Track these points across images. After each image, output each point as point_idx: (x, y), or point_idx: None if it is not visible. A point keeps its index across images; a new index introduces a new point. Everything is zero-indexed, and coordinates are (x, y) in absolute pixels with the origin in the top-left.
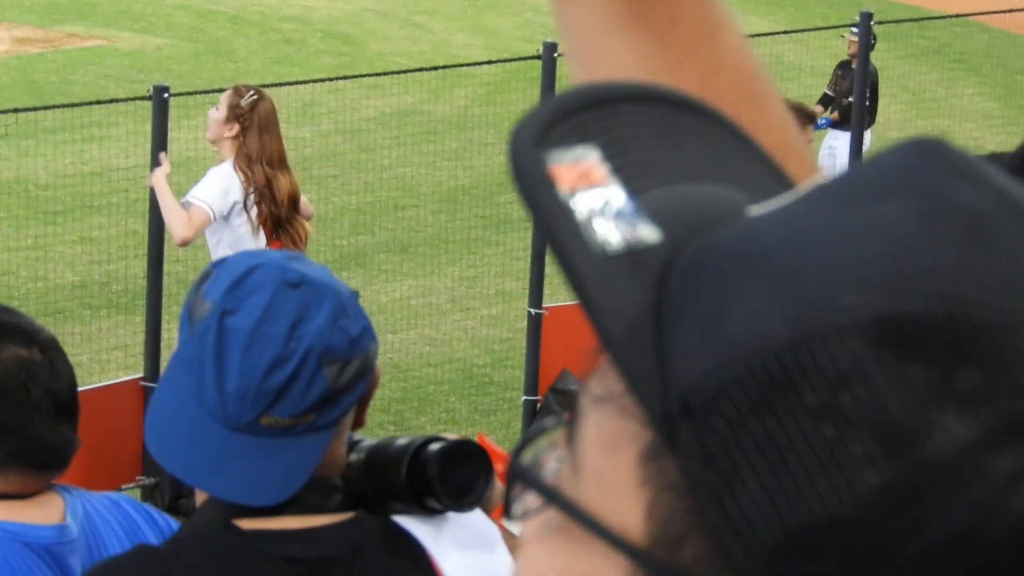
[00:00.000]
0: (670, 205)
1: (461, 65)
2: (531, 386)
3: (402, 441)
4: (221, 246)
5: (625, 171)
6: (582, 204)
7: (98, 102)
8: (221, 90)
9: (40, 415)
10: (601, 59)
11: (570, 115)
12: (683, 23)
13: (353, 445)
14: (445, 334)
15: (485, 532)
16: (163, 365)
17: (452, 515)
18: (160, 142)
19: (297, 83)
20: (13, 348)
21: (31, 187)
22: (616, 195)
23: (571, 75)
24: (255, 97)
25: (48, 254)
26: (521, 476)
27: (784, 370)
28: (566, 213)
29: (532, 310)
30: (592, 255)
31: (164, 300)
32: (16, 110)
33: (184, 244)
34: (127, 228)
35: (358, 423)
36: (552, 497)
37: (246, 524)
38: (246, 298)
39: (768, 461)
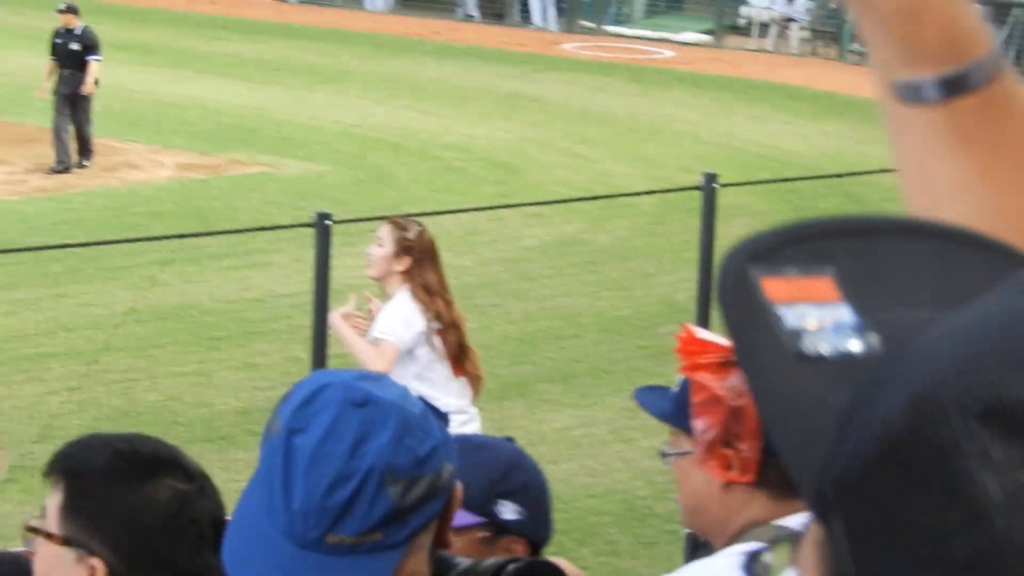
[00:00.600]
0: (889, 325)
1: (621, 195)
2: None
3: (489, 562)
4: (407, 378)
5: (860, 293)
6: (790, 313)
7: (261, 228)
8: (383, 218)
9: (207, 546)
10: (931, 179)
11: (808, 240)
12: (1008, 148)
13: (451, 567)
14: (606, 465)
15: None
16: None
17: None
18: (322, 269)
19: (458, 211)
20: (172, 482)
21: (195, 312)
22: (839, 312)
23: (905, 198)
24: (420, 228)
25: (212, 380)
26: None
27: (900, 450)
28: (764, 317)
29: None
30: (785, 358)
31: None
32: (181, 236)
33: None
34: (290, 355)
35: (441, 543)
36: None
37: None
38: (313, 417)
39: (889, 537)
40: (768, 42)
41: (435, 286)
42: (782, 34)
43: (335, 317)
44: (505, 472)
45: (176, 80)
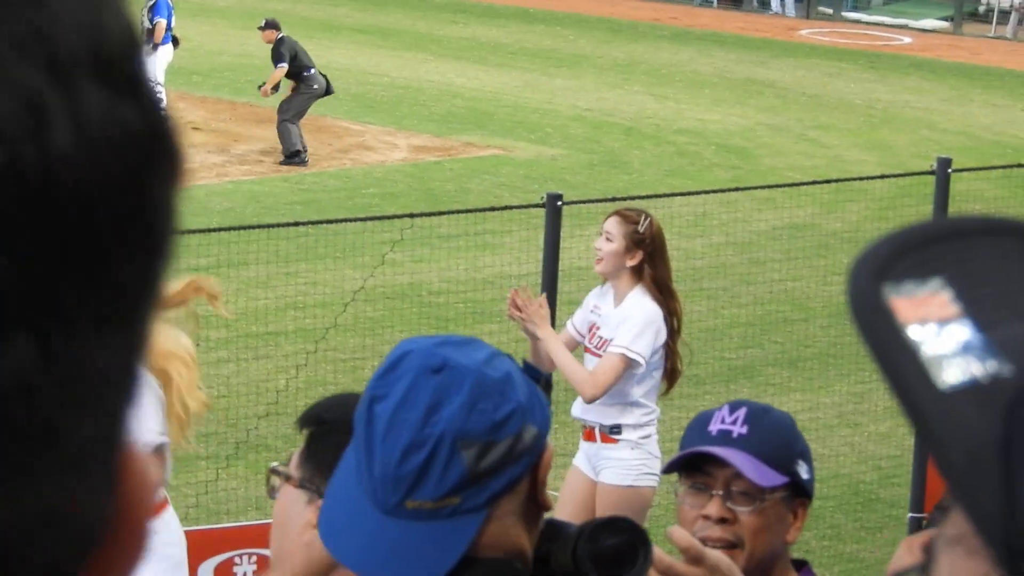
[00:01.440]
0: (1021, 340)
1: (854, 179)
2: (917, 503)
3: (583, 523)
4: (638, 388)
5: (974, 306)
6: (924, 337)
7: (492, 209)
8: (613, 199)
9: None
10: None
11: (917, 249)
12: None
13: (562, 532)
14: (832, 449)
15: None
16: None
17: None
18: (552, 250)
19: (689, 194)
20: None
21: (424, 293)
22: (963, 330)
23: None
24: (649, 218)
25: None
26: None
27: None
28: (906, 346)
29: None
30: (934, 389)
31: (552, 408)
32: (412, 215)
33: (593, 400)
34: (518, 335)
35: (539, 506)
36: None
37: None
38: (392, 384)
39: None
40: (1008, 29)
41: (667, 281)
42: (1022, 21)
43: (545, 332)
44: (796, 433)
45: (412, 63)
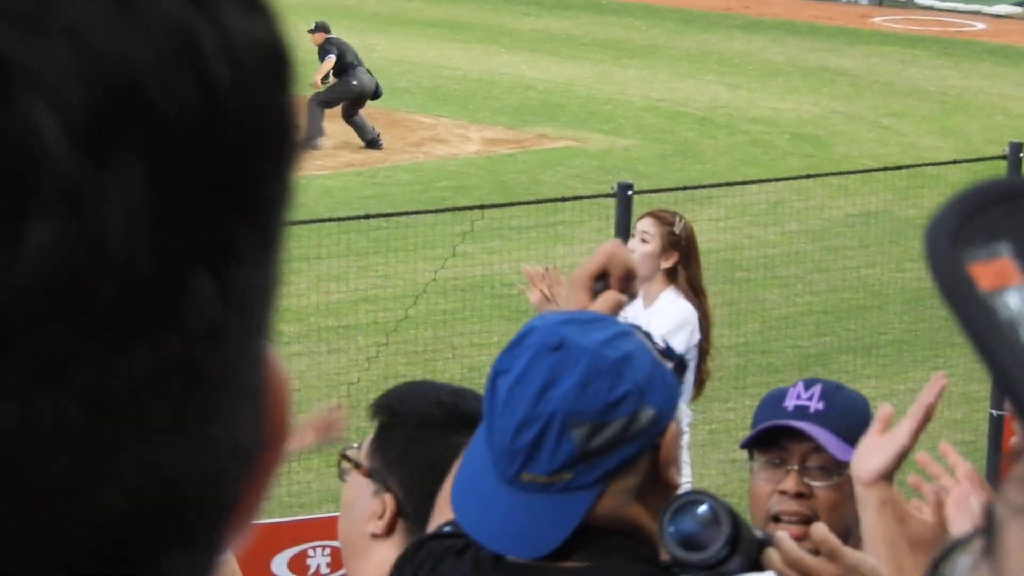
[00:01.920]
0: None
1: (926, 165)
2: (992, 488)
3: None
4: None
5: None
6: (1004, 303)
7: (563, 199)
8: (685, 188)
9: None
10: None
11: (980, 212)
12: None
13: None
14: None
15: None
16: None
17: None
18: (623, 240)
19: (763, 181)
20: None
21: (498, 284)
22: None
23: None
24: (683, 220)
25: None
26: None
27: None
28: (989, 313)
29: (994, 411)
30: (1021, 355)
31: None
32: (483, 206)
33: None
34: None
35: (663, 485)
36: None
37: (514, 559)
38: (515, 359)
39: None
40: None
41: (699, 282)
42: None
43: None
44: (868, 410)
45: (485, 55)
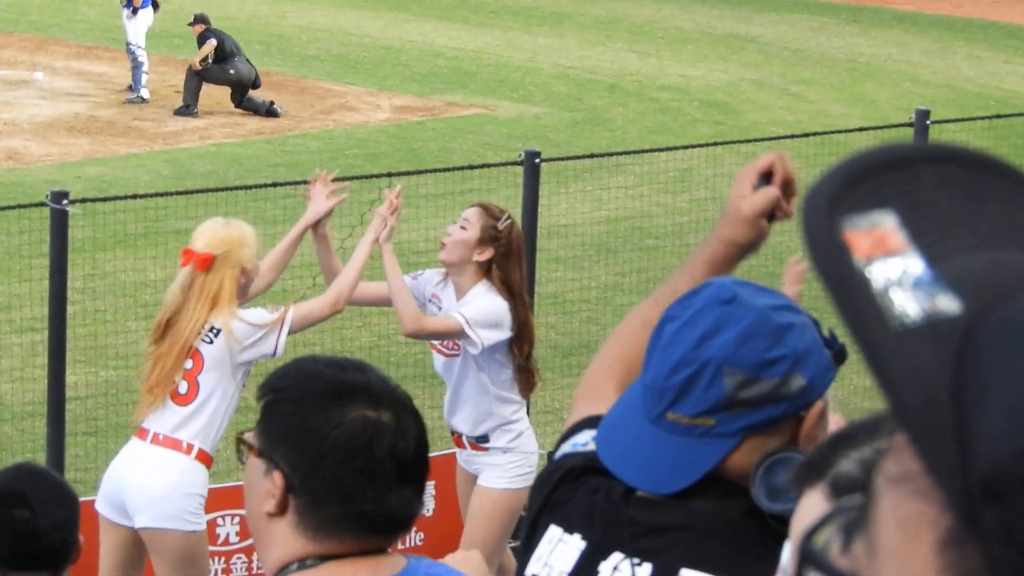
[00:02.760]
0: (972, 273)
1: (835, 132)
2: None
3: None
4: (467, 384)
5: (923, 237)
6: (878, 273)
7: (471, 167)
8: (592, 156)
9: (382, 479)
10: None
11: (867, 178)
12: None
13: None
14: None
15: None
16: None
17: None
18: (531, 208)
19: (672, 149)
20: (361, 409)
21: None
22: (914, 264)
23: None
24: (510, 220)
25: None
26: (812, 559)
27: None
28: (861, 283)
29: None
30: (888, 327)
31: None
32: (391, 174)
33: (411, 335)
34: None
35: (799, 442)
36: None
37: (642, 492)
38: (687, 308)
39: None
40: None
41: (518, 288)
42: None
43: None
44: None
45: (394, 23)
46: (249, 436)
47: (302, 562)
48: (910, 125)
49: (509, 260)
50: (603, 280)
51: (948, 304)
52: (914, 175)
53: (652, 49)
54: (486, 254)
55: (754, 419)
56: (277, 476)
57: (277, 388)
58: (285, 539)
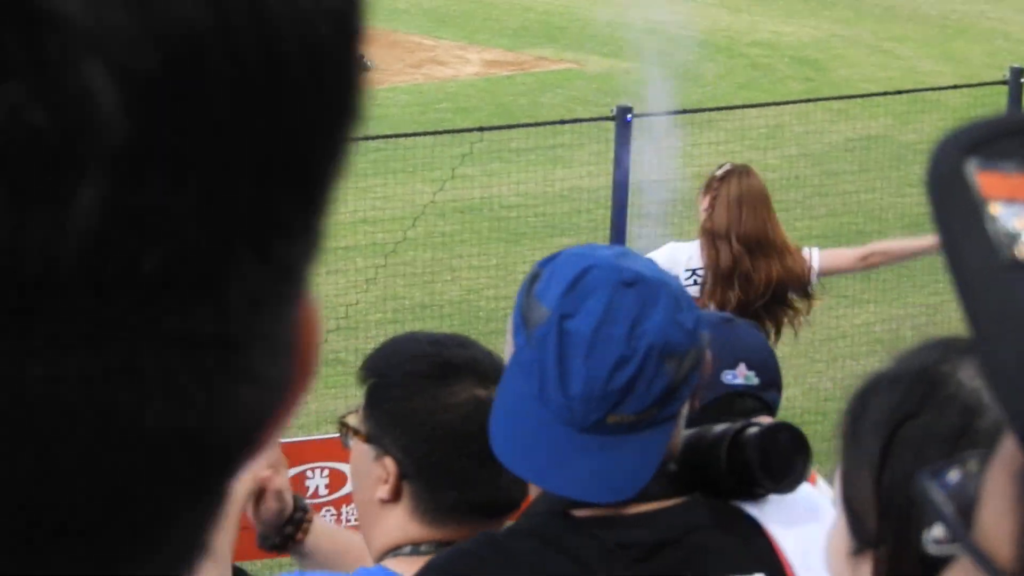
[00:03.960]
0: None
1: (927, 89)
2: None
3: (720, 427)
4: None
5: None
6: (1006, 214)
7: (562, 122)
8: (684, 111)
9: (495, 461)
10: None
11: (1007, 136)
12: None
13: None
14: None
15: (810, 503)
16: None
17: (775, 496)
18: (623, 162)
19: (763, 105)
20: (470, 388)
21: (497, 207)
22: None
23: None
24: (728, 168)
25: (513, 274)
26: (940, 515)
27: None
28: (977, 216)
29: None
30: (997, 263)
31: None
32: (481, 128)
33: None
34: None
35: (691, 408)
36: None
37: (581, 513)
38: (583, 300)
39: None
40: None
41: (726, 232)
42: None
43: None
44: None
45: None
46: (352, 419)
47: (415, 546)
48: (1004, 83)
49: (719, 207)
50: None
51: None
52: None
53: (743, 5)
54: (704, 202)
55: (688, 391)
56: (389, 462)
57: (380, 371)
58: (399, 524)
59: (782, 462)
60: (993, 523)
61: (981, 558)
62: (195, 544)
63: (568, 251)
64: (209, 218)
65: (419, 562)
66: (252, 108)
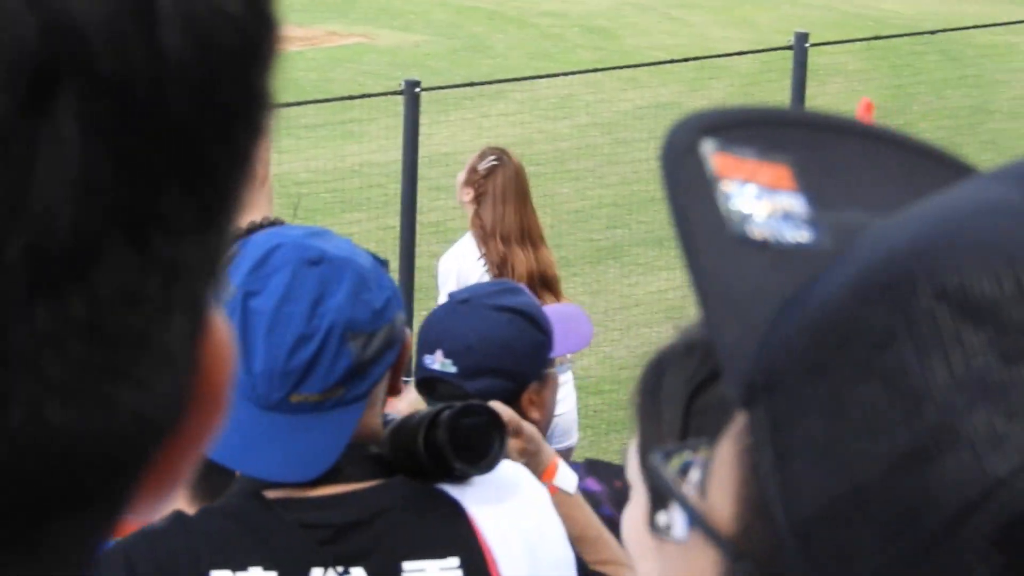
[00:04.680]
0: (848, 226)
1: (715, 56)
2: None
3: (424, 410)
4: None
5: (815, 188)
6: (738, 193)
7: (350, 97)
8: (472, 84)
9: None
10: None
11: (767, 125)
12: None
13: (386, 422)
14: None
15: (507, 478)
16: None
17: (479, 478)
18: (412, 136)
19: (553, 75)
20: None
21: (289, 184)
22: (792, 201)
23: None
24: (494, 163)
25: None
26: (666, 489)
27: (837, 332)
28: (709, 192)
29: None
30: (728, 236)
31: (415, 294)
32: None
33: None
34: (384, 223)
35: (393, 391)
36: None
37: (273, 494)
38: (268, 278)
39: (817, 428)
40: None
41: (493, 228)
42: None
43: None
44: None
45: None
46: None
47: None
48: (789, 48)
49: (484, 203)
50: None
51: (815, 238)
52: (819, 138)
53: None
54: (468, 196)
55: (379, 373)
56: None
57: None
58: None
59: (477, 442)
60: (720, 497)
61: (710, 531)
62: (82, 552)
63: (262, 232)
64: (83, 203)
65: None
66: (136, 102)
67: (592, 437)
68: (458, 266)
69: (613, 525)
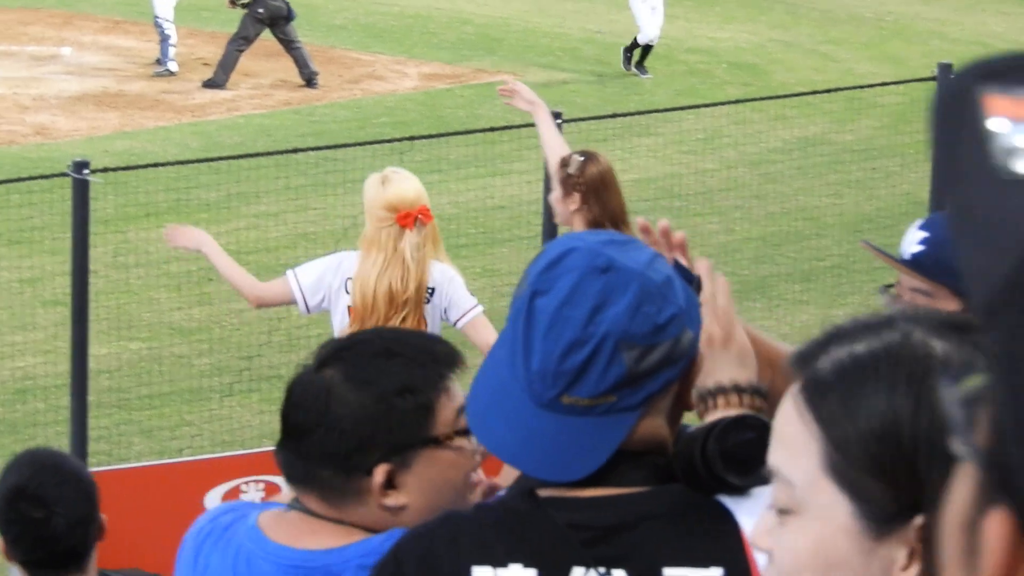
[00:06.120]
0: None
1: (859, 87)
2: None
3: (706, 424)
4: None
5: None
6: (1007, 130)
7: (492, 129)
8: (615, 115)
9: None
10: None
11: (1015, 68)
12: None
13: (680, 433)
14: None
15: None
16: None
17: (759, 490)
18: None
19: (696, 107)
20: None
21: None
22: None
23: None
24: (582, 159)
25: None
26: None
27: None
28: (976, 131)
29: None
30: (993, 176)
31: None
32: (412, 138)
33: None
34: (528, 258)
35: (684, 405)
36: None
37: (545, 492)
38: (556, 280)
39: None
40: None
41: (602, 216)
42: None
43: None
44: None
45: None
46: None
47: None
48: (933, 79)
49: (590, 197)
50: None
51: None
52: None
53: (680, 12)
54: (575, 202)
55: (655, 387)
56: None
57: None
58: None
59: (750, 454)
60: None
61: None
62: None
63: (566, 235)
64: None
65: None
66: None
67: None
68: None
69: None
